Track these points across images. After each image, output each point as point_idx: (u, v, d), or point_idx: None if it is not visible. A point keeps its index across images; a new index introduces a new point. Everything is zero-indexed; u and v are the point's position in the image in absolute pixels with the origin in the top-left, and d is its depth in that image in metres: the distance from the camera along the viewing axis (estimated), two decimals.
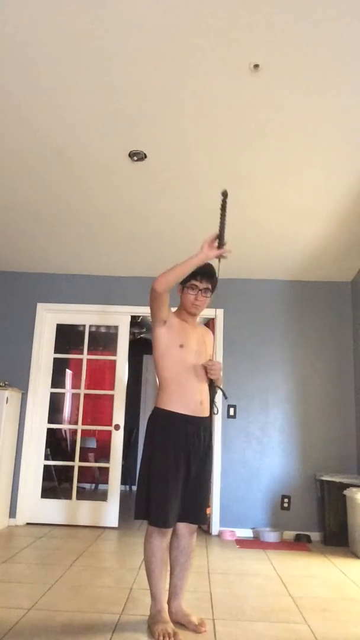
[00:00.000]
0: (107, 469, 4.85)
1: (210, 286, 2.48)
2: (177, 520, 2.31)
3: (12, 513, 4.58)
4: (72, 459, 4.97)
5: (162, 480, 2.25)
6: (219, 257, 2.30)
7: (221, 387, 2.50)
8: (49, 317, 5.06)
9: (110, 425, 4.86)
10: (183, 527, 2.38)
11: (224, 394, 2.50)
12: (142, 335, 7.53)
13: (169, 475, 2.25)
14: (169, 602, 2.39)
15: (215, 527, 4.55)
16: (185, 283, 2.48)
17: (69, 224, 4.09)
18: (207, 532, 4.59)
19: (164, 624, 2.21)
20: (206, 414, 2.40)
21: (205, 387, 2.41)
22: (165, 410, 2.33)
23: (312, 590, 3.02)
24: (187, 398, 2.33)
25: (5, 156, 3.17)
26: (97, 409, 6.07)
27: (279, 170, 3.22)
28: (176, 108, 2.69)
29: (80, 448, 4.97)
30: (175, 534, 2.39)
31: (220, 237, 2.29)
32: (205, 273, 2.45)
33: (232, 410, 4.77)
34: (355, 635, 2.32)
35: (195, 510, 2.35)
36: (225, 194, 2.29)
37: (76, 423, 5.12)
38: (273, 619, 2.49)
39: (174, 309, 2.55)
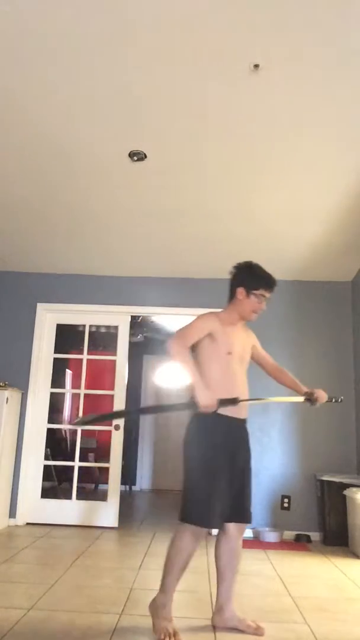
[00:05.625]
0: (107, 469, 4.85)
1: None
2: (224, 521, 2.30)
3: (12, 513, 4.58)
4: (72, 459, 4.97)
5: (207, 479, 2.24)
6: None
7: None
8: (49, 317, 5.06)
9: (110, 425, 4.85)
10: (233, 528, 2.36)
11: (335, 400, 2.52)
12: (141, 335, 7.52)
13: (215, 475, 2.25)
14: (222, 609, 2.36)
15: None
16: (254, 290, 2.40)
17: (68, 224, 4.09)
18: (208, 532, 4.58)
19: (167, 621, 2.21)
20: (246, 415, 2.41)
21: (245, 390, 2.40)
22: (212, 412, 2.30)
23: (312, 590, 3.02)
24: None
25: (5, 156, 3.17)
26: (97, 409, 6.06)
27: (278, 170, 3.22)
28: (176, 108, 2.69)
29: (80, 448, 4.96)
30: (226, 536, 2.38)
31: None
32: (274, 285, 2.45)
33: None
34: (355, 635, 2.32)
35: (242, 509, 2.35)
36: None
37: None
38: (273, 619, 2.49)
39: (214, 309, 2.49)
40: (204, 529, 2.26)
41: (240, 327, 2.49)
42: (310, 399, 2.42)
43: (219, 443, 2.30)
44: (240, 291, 2.41)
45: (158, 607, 2.26)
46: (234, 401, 2.25)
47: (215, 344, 2.34)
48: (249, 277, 2.43)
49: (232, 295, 2.47)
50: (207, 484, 2.24)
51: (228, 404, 2.24)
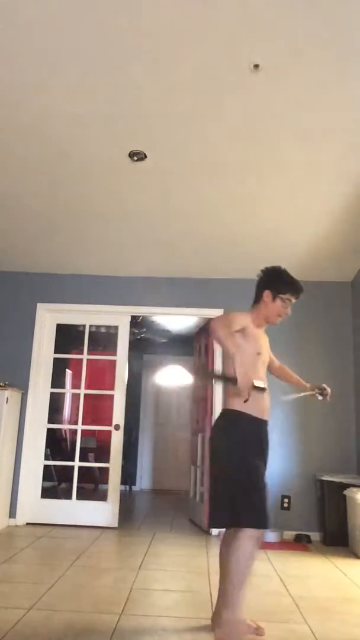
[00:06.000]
0: (107, 469, 4.85)
1: None
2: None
3: (12, 513, 4.58)
4: (72, 459, 4.98)
5: (259, 479, 2.23)
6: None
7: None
8: (49, 317, 5.06)
9: (110, 425, 4.86)
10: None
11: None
12: (142, 335, 7.52)
13: (261, 474, 2.24)
14: (221, 610, 2.31)
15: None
16: (281, 294, 2.43)
17: (68, 224, 4.09)
18: (207, 532, 4.59)
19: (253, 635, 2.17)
20: (269, 417, 2.43)
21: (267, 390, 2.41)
22: (242, 413, 2.30)
23: (312, 590, 3.02)
24: (260, 402, 2.34)
25: (5, 155, 3.17)
26: (97, 409, 6.07)
27: (278, 170, 3.22)
28: (176, 108, 2.69)
29: (80, 448, 4.97)
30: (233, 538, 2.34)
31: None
32: (301, 291, 2.47)
33: None
34: (355, 635, 2.31)
35: None
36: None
37: (76, 423, 5.12)
38: (273, 619, 2.48)
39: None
40: (263, 531, 2.22)
41: (264, 330, 2.53)
42: (322, 393, 2.54)
43: (256, 443, 2.31)
44: (267, 294, 2.45)
45: (235, 625, 2.16)
46: (263, 389, 2.29)
47: (247, 342, 2.36)
48: (277, 281, 2.46)
49: (257, 297, 2.51)
50: (259, 485, 2.22)
51: (259, 390, 2.27)
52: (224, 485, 2.27)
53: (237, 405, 2.32)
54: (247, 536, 2.18)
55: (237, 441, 2.29)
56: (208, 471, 2.44)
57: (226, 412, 2.37)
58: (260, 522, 2.19)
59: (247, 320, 2.41)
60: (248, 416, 2.30)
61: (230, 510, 2.21)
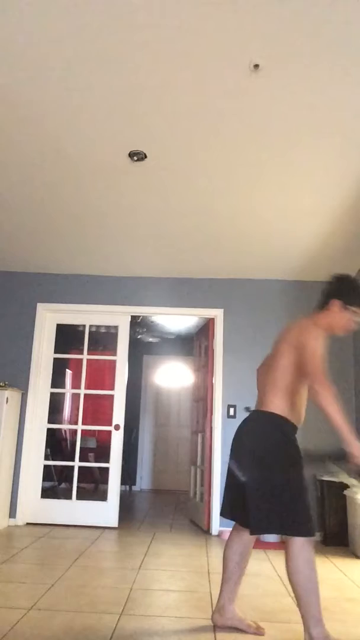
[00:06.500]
0: (107, 469, 4.86)
1: None
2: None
3: (12, 513, 4.58)
4: (72, 459, 4.98)
5: (306, 487, 2.16)
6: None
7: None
8: (49, 317, 5.06)
9: (110, 425, 4.86)
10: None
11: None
12: (142, 335, 7.53)
13: (306, 481, 2.19)
14: (224, 608, 2.33)
15: (215, 527, 4.55)
16: (351, 305, 2.28)
17: (68, 224, 4.09)
18: (207, 532, 4.59)
19: None
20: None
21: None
22: (288, 420, 2.26)
23: None
24: (301, 413, 2.31)
25: (5, 155, 3.17)
26: (97, 409, 6.07)
27: (278, 170, 3.22)
28: (176, 108, 2.69)
29: (80, 448, 4.97)
30: (242, 539, 2.34)
31: None
32: None
33: (232, 410, 4.78)
34: (355, 636, 2.31)
35: None
36: None
37: (76, 423, 5.12)
38: (273, 619, 2.49)
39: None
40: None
41: None
42: None
43: (299, 451, 2.27)
44: (336, 303, 2.31)
45: None
46: None
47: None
48: (350, 291, 2.32)
49: (323, 305, 2.36)
50: (307, 491, 2.17)
51: None
52: (279, 493, 2.14)
53: (281, 409, 2.25)
54: (303, 543, 2.11)
55: (290, 448, 2.22)
56: (245, 474, 2.28)
57: (273, 416, 2.25)
58: (312, 530, 2.12)
59: (324, 340, 2.23)
60: (291, 423, 2.26)
61: (286, 517, 2.11)
